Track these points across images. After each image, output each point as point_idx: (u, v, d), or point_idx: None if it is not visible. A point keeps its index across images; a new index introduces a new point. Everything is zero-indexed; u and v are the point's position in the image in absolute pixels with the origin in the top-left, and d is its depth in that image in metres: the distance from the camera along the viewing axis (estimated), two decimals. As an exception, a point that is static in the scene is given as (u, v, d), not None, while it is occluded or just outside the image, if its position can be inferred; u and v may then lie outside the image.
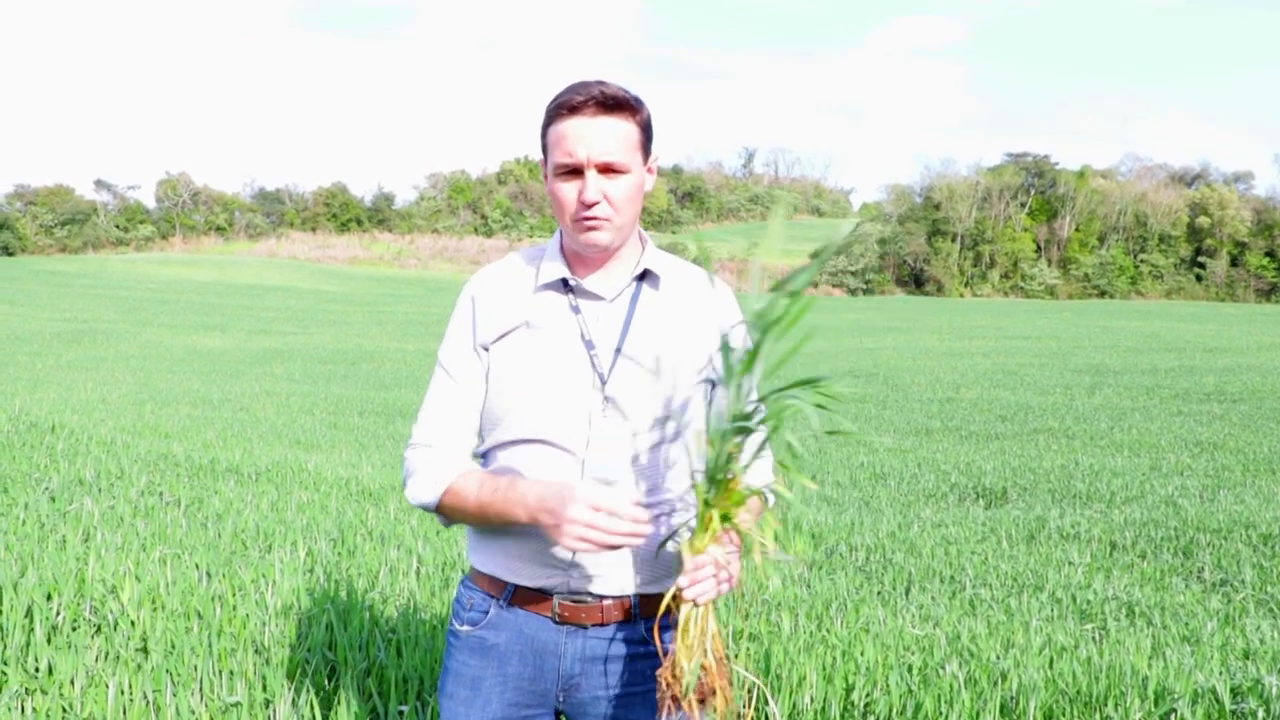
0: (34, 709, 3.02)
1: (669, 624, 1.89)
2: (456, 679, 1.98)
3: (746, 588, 5.09)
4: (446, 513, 1.92)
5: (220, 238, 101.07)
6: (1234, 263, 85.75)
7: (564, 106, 1.80)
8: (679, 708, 1.72)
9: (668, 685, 1.73)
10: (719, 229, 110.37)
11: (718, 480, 1.70)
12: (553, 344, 1.89)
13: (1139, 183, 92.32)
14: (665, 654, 1.83)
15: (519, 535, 1.90)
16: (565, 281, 1.93)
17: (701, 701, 1.73)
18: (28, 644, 3.35)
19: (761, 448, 1.76)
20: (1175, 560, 6.72)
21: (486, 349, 1.94)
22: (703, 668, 1.72)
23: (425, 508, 1.92)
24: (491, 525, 1.88)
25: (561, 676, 1.93)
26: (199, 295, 54.88)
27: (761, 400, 1.69)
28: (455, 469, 1.91)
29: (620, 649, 1.92)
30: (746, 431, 1.69)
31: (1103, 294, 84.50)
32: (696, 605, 1.71)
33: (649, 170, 1.91)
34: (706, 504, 1.71)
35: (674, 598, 1.76)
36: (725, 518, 1.71)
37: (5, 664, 3.23)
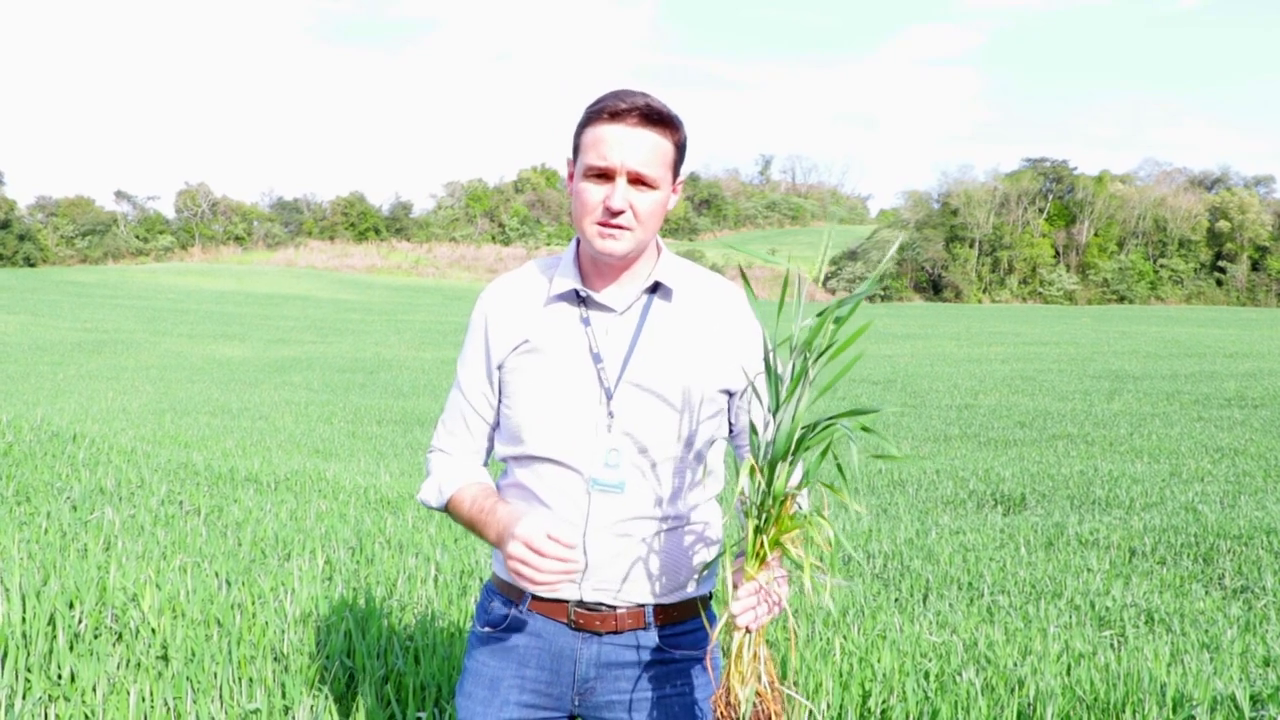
0: (57, 715, 3.06)
1: (681, 640, 1.95)
2: (475, 679, 2.01)
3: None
4: (450, 516, 2.02)
5: (239, 247, 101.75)
6: (1255, 267, 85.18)
7: (607, 110, 1.81)
8: None
9: (722, 714, 1.72)
10: (736, 236, 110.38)
11: (768, 507, 1.70)
12: (561, 359, 1.90)
13: (1158, 187, 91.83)
14: (715, 679, 1.85)
15: None
16: (577, 293, 1.93)
17: None
18: (50, 651, 3.39)
19: (808, 474, 1.75)
20: (1195, 567, 6.68)
21: (500, 368, 1.98)
22: (757, 694, 1.71)
23: (435, 510, 2.03)
24: (477, 535, 1.98)
25: (577, 680, 1.95)
26: (218, 305, 55.22)
27: (809, 428, 1.69)
28: (461, 479, 1.99)
29: (635, 655, 1.94)
30: (795, 458, 1.70)
31: (1122, 299, 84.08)
32: (749, 631, 1.70)
33: (674, 190, 1.91)
34: (757, 530, 1.71)
35: (725, 624, 1.74)
36: (775, 543, 1.71)
37: (29, 671, 3.26)
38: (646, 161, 1.81)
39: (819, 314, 1.66)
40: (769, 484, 1.69)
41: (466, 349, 2.03)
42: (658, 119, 1.82)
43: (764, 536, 1.71)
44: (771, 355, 1.74)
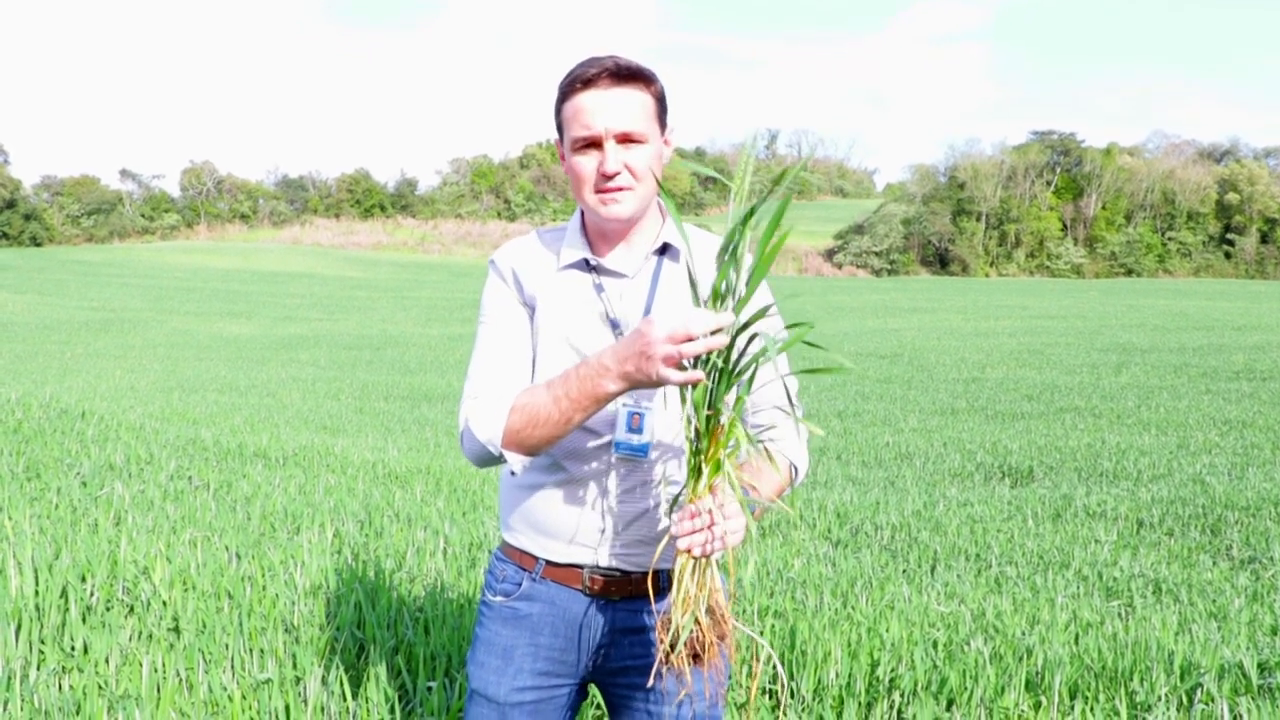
0: (71, 686, 3.08)
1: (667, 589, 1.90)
2: (488, 648, 2.00)
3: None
4: (516, 438, 1.79)
5: (245, 225, 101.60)
6: (1264, 239, 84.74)
7: (578, 80, 1.80)
8: (669, 664, 1.68)
9: (661, 639, 1.69)
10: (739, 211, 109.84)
11: (704, 426, 1.65)
12: (579, 326, 1.89)
13: (1167, 160, 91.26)
14: (659, 613, 1.81)
15: (548, 513, 1.92)
16: (587, 261, 1.92)
17: (695, 658, 1.68)
18: (63, 623, 3.41)
19: (744, 391, 1.67)
20: (1203, 538, 6.68)
21: (531, 310, 1.93)
22: (696, 622, 1.66)
23: (490, 448, 1.81)
24: (572, 422, 1.75)
25: (592, 647, 1.96)
26: (224, 283, 55.27)
27: (731, 345, 1.63)
28: (513, 396, 1.84)
29: (649, 620, 1.94)
30: (724, 373, 1.64)
31: (1130, 272, 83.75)
32: (692, 556, 1.66)
33: (665, 142, 1.90)
34: (695, 452, 1.67)
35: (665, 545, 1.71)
36: (717, 466, 1.66)
37: (43, 643, 3.29)
38: (630, 119, 1.80)
39: (740, 220, 1.62)
40: (701, 401, 1.64)
41: (493, 298, 1.95)
42: (629, 74, 1.81)
43: (703, 458, 1.66)
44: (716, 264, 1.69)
